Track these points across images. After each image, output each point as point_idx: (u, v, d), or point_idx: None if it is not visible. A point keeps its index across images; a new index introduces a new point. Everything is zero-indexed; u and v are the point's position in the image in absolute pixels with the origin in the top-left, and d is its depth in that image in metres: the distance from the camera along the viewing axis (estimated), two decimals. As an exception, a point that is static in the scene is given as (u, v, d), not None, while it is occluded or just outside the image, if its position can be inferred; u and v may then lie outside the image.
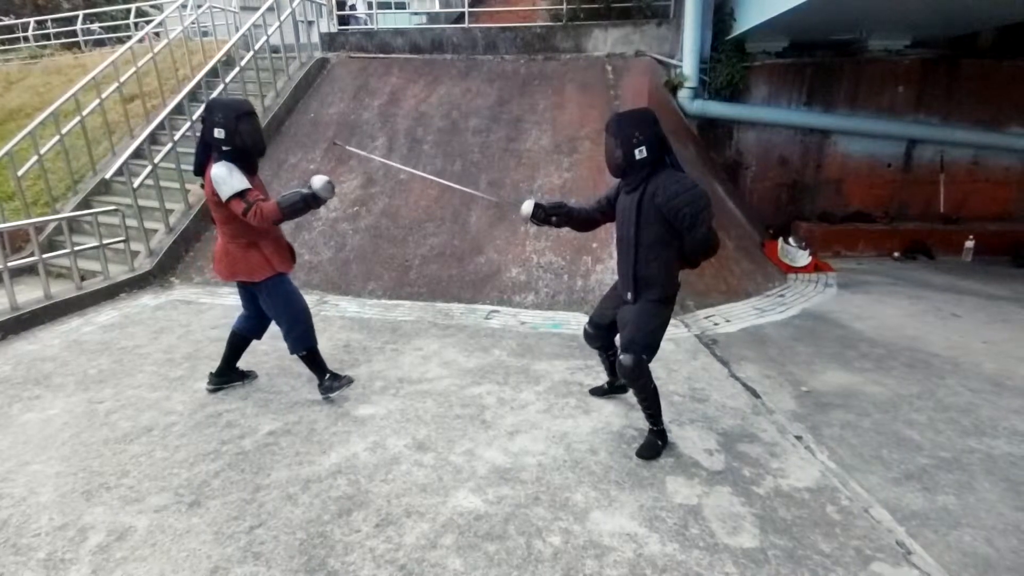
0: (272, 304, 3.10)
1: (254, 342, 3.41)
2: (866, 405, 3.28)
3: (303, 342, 3.16)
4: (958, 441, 2.90)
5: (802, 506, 2.37)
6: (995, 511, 2.36)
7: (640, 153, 2.47)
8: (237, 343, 3.34)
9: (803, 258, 6.33)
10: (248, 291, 3.20)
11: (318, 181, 2.82)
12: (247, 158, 2.91)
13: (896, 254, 7.27)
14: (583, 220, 2.87)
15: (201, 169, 2.93)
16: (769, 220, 7.56)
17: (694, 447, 2.80)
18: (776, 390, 3.47)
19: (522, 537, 2.17)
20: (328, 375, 3.25)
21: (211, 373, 3.39)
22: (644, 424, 3.01)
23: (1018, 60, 7.34)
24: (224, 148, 2.82)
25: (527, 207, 2.75)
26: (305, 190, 2.84)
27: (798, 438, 2.92)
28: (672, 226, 2.48)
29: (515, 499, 2.39)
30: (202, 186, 2.98)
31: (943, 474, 2.62)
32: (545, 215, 2.76)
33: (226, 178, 2.77)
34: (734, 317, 4.79)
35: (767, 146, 7.59)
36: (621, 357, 2.61)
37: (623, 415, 3.12)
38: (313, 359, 3.24)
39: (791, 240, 6.55)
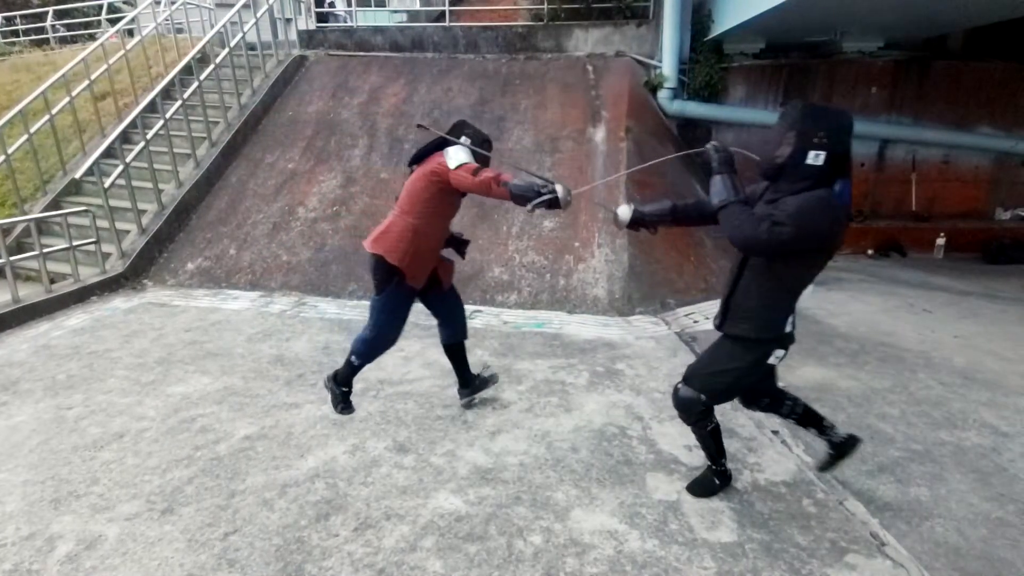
0: (376, 306, 2.93)
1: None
2: (840, 399, 3.34)
3: (364, 357, 3.01)
4: (929, 434, 2.97)
5: (779, 500, 2.40)
6: (965, 502, 2.42)
7: (816, 159, 1.86)
8: (455, 353, 3.20)
9: (781, 256, 6.43)
10: (426, 296, 3.07)
11: (561, 188, 2.39)
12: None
13: (870, 251, 7.44)
14: (695, 218, 2.43)
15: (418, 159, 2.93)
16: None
17: (674, 443, 2.82)
18: (754, 386, 3.51)
19: (503, 537, 2.16)
20: (346, 389, 3.10)
21: (459, 387, 3.26)
22: (625, 421, 3.04)
23: (986, 62, 7.55)
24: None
25: (625, 213, 2.37)
26: (542, 182, 2.45)
27: (775, 433, 2.96)
28: (789, 253, 1.96)
29: (496, 499, 2.38)
30: (407, 174, 2.99)
31: (915, 466, 2.68)
32: (644, 223, 2.38)
33: (459, 154, 2.72)
34: (713, 314, 4.83)
35: (745, 146, 7.66)
36: (677, 385, 2.30)
37: (604, 413, 3.13)
38: (353, 369, 3.07)
39: (769, 238, 6.64)
